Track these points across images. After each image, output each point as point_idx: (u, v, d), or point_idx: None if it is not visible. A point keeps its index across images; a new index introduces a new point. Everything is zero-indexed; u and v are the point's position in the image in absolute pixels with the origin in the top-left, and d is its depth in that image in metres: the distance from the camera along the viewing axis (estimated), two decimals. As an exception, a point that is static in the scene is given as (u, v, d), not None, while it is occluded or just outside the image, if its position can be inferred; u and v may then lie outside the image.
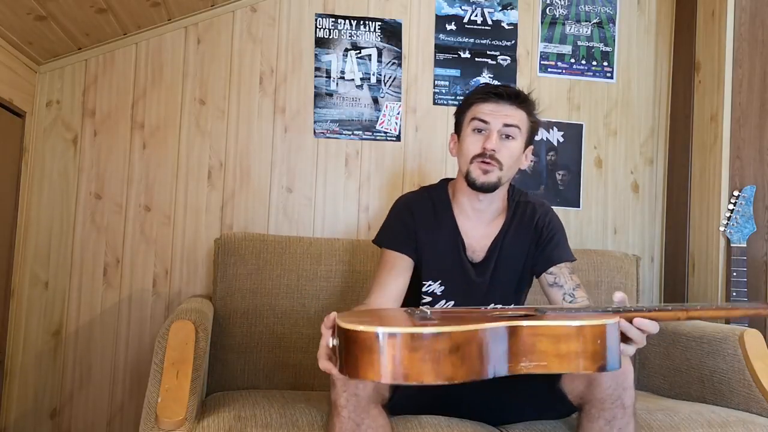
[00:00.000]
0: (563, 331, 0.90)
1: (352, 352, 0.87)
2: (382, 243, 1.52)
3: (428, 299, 1.53)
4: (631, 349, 1.05)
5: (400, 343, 0.83)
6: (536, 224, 1.53)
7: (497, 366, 0.88)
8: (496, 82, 2.34)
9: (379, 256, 1.53)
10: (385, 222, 1.56)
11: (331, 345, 0.98)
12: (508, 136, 1.43)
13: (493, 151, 1.40)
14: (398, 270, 1.46)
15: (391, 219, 1.55)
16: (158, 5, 2.00)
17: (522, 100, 1.44)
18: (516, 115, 1.43)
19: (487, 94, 1.43)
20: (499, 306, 1.10)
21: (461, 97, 2.31)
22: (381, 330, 0.84)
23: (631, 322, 1.04)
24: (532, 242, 1.53)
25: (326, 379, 1.30)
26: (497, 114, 1.42)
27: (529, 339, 0.90)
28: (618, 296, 1.11)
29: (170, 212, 2.14)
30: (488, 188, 1.44)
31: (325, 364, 1.06)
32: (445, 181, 1.60)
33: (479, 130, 1.43)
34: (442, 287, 1.52)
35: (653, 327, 1.05)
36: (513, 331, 0.90)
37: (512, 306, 1.20)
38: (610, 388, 1.25)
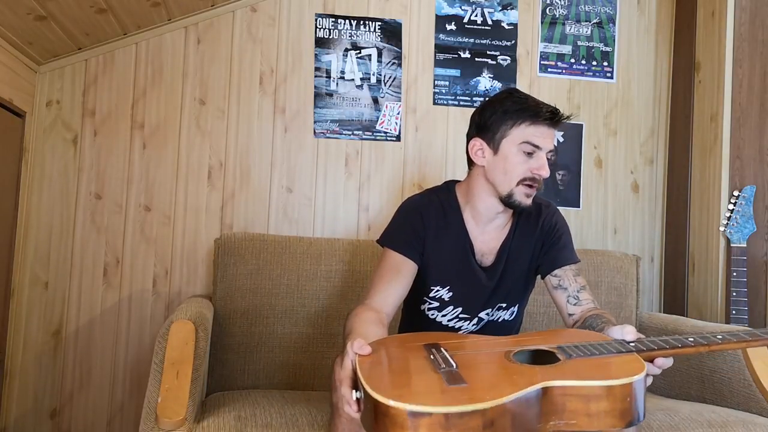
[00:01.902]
0: (593, 392, 0.91)
1: (382, 423, 0.86)
2: (389, 244, 1.48)
3: (435, 304, 1.53)
4: (648, 381, 1.06)
5: (432, 423, 0.82)
6: (542, 225, 1.52)
7: (529, 428, 0.90)
8: (498, 84, 2.34)
9: (380, 255, 1.51)
10: (392, 223, 1.53)
11: (355, 398, 0.97)
12: (548, 158, 1.43)
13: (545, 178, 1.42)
14: (402, 274, 1.44)
15: (400, 221, 1.52)
16: (158, 5, 2.00)
17: (561, 123, 1.43)
18: (554, 137, 1.44)
19: (544, 117, 1.39)
20: (517, 347, 1.10)
21: (462, 97, 2.31)
22: (412, 408, 0.83)
23: (652, 361, 1.07)
24: (537, 243, 1.52)
25: (326, 379, 1.30)
26: (548, 139, 1.40)
27: (560, 399, 0.91)
28: (630, 332, 1.12)
29: (170, 212, 2.14)
30: (527, 210, 1.46)
31: (347, 395, 1.00)
32: (452, 184, 1.57)
33: (529, 153, 1.41)
34: (450, 293, 1.51)
35: (670, 362, 1.08)
36: (544, 392, 0.91)
37: (534, 335, 1.20)
38: None
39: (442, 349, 1.06)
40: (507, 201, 1.43)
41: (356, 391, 0.96)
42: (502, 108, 1.42)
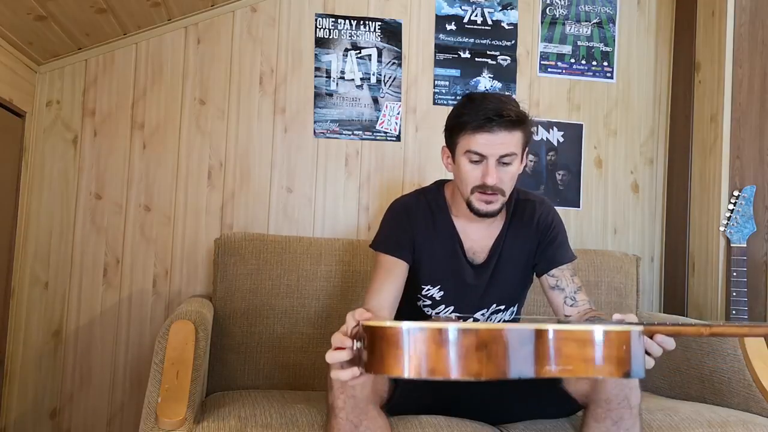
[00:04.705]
0: (589, 336, 0.91)
1: (377, 348, 0.87)
2: (379, 248, 1.49)
3: (428, 302, 1.53)
4: (650, 362, 1.03)
5: (426, 338, 0.84)
6: (538, 223, 1.52)
7: (523, 367, 0.89)
8: (498, 84, 2.34)
9: (373, 260, 1.52)
10: (381, 226, 1.54)
11: (355, 348, 0.98)
12: (505, 163, 1.38)
13: (495, 185, 1.37)
14: (395, 275, 1.45)
15: (388, 223, 1.53)
16: (158, 5, 2.00)
17: (517, 125, 1.36)
18: (512, 142, 1.36)
19: (479, 124, 1.35)
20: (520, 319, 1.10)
21: (461, 98, 2.31)
22: (407, 325, 0.84)
23: (651, 337, 1.04)
24: (534, 242, 1.52)
25: (326, 380, 1.30)
26: (492, 145, 1.35)
27: (555, 343, 0.91)
28: (631, 318, 1.10)
29: (170, 212, 2.14)
30: (493, 215, 1.43)
31: (339, 341, 1.00)
32: (441, 183, 1.58)
33: (475, 161, 1.38)
34: (441, 292, 1.51)
35: (671, 344, 1.05)
36: (539, 335, 0.90)
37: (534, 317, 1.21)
38: (617, 388, 1.25)
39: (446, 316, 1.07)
40: (471, 209, 1.42)
41: (356, 341, 0.97)
42: (455, 118, 1.42)
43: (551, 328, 0.91)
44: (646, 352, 1.02)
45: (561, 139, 2.39)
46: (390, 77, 2.28)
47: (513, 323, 0.89)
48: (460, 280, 1.50)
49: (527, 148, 1.46)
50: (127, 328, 2.11)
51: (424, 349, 0.83)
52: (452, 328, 0.84)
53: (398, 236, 1.48)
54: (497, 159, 1.36)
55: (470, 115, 1.37)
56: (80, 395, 2.08)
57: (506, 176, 1.39)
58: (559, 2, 2.41)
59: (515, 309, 1.58)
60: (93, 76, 2.12)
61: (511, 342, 0.87)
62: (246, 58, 2.20)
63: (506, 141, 1.36)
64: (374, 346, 0.87)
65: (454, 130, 1.43)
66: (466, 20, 2.34)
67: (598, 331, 0.90)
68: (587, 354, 0.90)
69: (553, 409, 1.49)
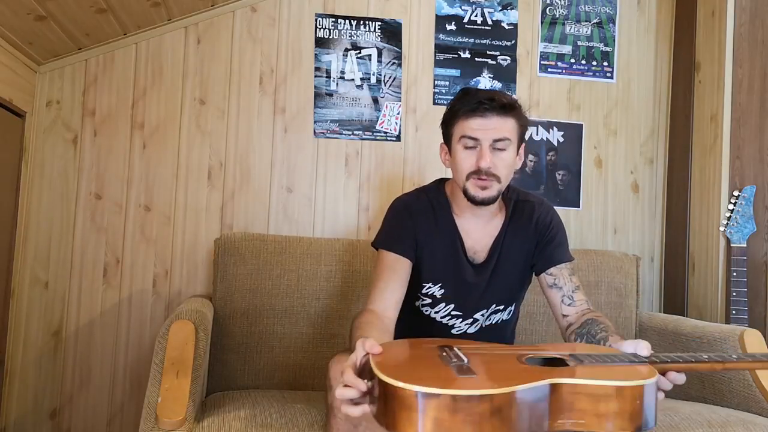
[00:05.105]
0: (603, 391, 0.91)
1: (390, 406, 0.86)
2: (382, 245, 1.50)
3: (428, 300, 1.53)
4: (660, 396, 1.04)
5: (440, 405, 0.82)
6: (537, 223, 1.52)
7: (536, 424, 0.89)
8: (498, 84, 2.34)
9: (375, 258, 1.52)
10: (383, 224, 1.55)
11: (366, 386, 0.97)
12: (500, 149, 1.40)
13: (489, 168, 1.39)
14: (399, 272, 1.45)
15: (390, 221, 1.53)
16: (158, 5, 2.00)
17: (508, 110, 1.40)
18: (505, 127, 1.39)
19: (472, 108, 1.39)
20: (530, 353, 1.09)
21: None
22: (421, 390, 0.83)
23: (664, 374, 1.05)
24: (532, 242, 1.52)
25: (326, 379, 1.30)
26: (485, 129, 1.38)
27: (569, 397, 0.91)
28: (644, 347, 1.09)
29: (170, 212, 2.14)
30: (489, 202, 1.43)
31: (351, 380, 0.97)
32: (441, 182, 1.59)
33: (470, 147, 1.40)
34: (442, 290, 1.52)
35: (683, 379, 1.06)
36: (553, 389, 0.91)
37: (548, 346, 1.20)
38: None
39: (455, 348, 1.07)
40: (467, 197, 1.43)
41: (367, 381, 0.96)
42: (450, 109, 1.46)
43: (566, 381, 0.91)
44: (658, 388, 1.02)
45: (561, 139, 2.39)
46: (390, 77, 2.28)
47: (526, 384, 0.88)
48: (461, 279, 1.50)
49: (523, 142, 1.48)
50: (127, 328, 2.11)
51: (439, 415, 0.82)
52: (466, 395, 0.82)
53: (401, 234, 1.49)
54: (491, 144, 1.39)
55: (463, 103, 1.41)
56: (80, 395, 2.08)
57: (501, 162, 1.40)
58: (559, 2, 2.41)
59: (513, 308, 1.58)
60: (93, 76, 2.12)
61: (526, 403, 0.87)
62: (246, 58, 2.20)
63: (499, 126, 1.39)
64: (386, 402, 0.87)
65: (449, 122, 1.46)
66: (466, 20, 2.34)
67: (612, 386, 0.91)
68: (600, 409, 0.91)
69: None
